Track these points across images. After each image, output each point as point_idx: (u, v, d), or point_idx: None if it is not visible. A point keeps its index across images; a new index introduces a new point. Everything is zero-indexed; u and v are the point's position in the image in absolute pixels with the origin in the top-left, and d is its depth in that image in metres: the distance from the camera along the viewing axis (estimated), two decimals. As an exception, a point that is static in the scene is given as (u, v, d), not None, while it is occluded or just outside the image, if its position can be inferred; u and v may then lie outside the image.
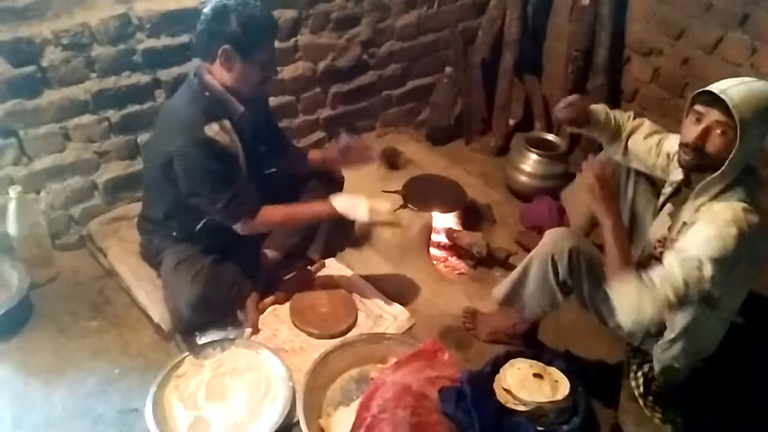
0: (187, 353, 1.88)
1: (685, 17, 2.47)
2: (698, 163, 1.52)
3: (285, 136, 2.21)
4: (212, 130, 1.73)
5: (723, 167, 1.46)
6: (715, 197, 1.50)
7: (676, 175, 1.70)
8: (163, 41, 2.16)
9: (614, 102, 2.78)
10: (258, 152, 1.97)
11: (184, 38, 2.18)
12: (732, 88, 1.43)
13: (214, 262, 1.93)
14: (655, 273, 1.48)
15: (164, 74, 2.21)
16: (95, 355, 1.94)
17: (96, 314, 2.07)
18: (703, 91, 1.47)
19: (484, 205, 2.65)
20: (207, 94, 1.76)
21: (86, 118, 2.13)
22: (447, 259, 2.48)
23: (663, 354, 1.69)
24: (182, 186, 1.79)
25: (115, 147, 2.24)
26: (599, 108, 1.93)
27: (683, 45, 2.51)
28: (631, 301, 1.49)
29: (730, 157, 1.44)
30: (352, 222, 2.41)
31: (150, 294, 2.02)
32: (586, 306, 1.80)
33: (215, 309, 1.97)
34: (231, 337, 1.97)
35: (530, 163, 2.72)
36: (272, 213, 1.89)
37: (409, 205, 2.45)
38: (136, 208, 2.27)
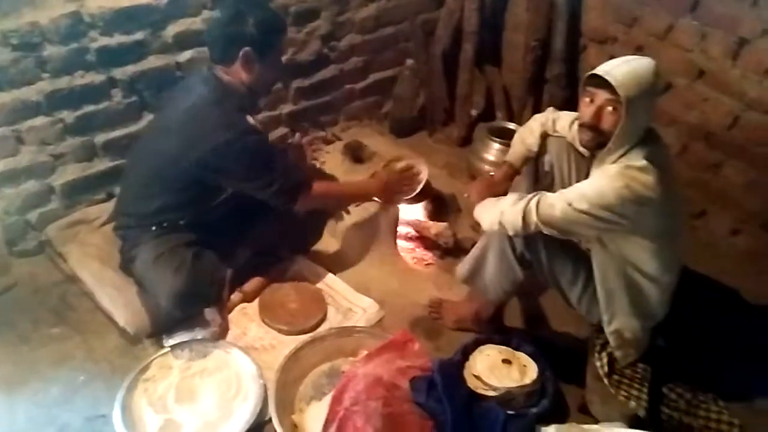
0: (155, 356, 1.85)
1: (637, 5, 2.52)
2: (597, 141, 1.62)
3: None
4: (252, 120, 1.87)
5: (613, 138, 1.56)
6: (613, 163, 1.58)
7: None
8: (117, 39, 2.10)
9: (572, 90, 2.83)
10: None
11: (138, 35, 2.13)
12: (616, 68, 1.54)
13: (195, 254, 1.92)
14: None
15: (119, 73, 2.15)
16: (59, 362, 1.90)
17: (58, 321, 2.02)
18: (592, 73, 1.56)
19: (449, 195, 2.67)
20: (232, 94, 1.81)
21: (39, 120, 2.06)
22: (414, 250, 2.50)
23: (610, 326, 1.76)
24: (230, 178, 1.86)
25: (71, 149, 2.17)
26: (516, 151, 2.06)
27: (636, 32, 2.57)
28: (491, 209, 1.72)
29: (618, 130, 1.54)
30: (324, 219, 2.43)
31: (113, 298, 1.98)
32: (546, 280, 1.84)
33: (198, 300, 1.96)
34: (199, 337, 1.95)
35: (493, 152, 2.75)
36: (325, 188, 2.06)
37: (375, 198, 2.44)
38: (95, 211, 2.23)
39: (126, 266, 2.00)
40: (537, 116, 2.02)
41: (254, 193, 1.89)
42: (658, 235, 1.62)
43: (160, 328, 1.96)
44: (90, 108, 2.15)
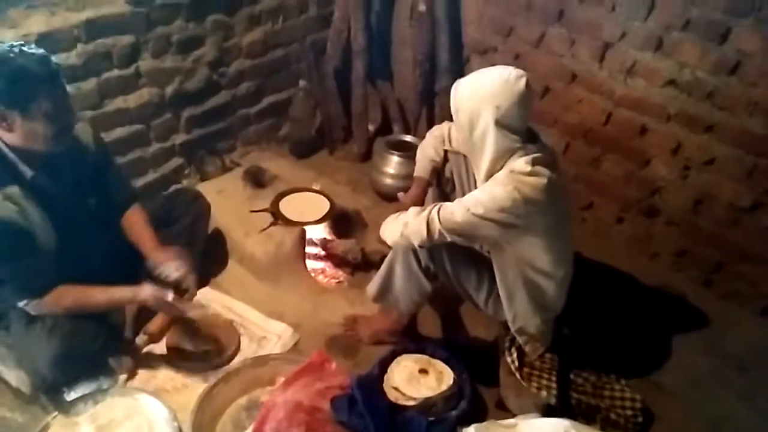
0: (55, 414, 1.73)
1: (510, 16, 2.68)
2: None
3: (125, 189, 2.02)
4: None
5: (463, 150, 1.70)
6: (499, 169, 1.65)
7: None
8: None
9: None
10: (84, 206, 1.81)
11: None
12: (467, 78, 1.66)
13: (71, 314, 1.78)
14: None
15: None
16: (-55, 435, 1.73)
17: (-59, 389, 1.85)
18: None
19: (354, 211, 2.69)
20: None
21: None
22: (324, 269, 2.50)
23: (514, 324, 1.84)
24: None
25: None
26: (422, 165, 2.08)
27: (513, 41, 2.72)
28: (393, 224, 1.78)
29: (464, 140, 1.68)
30: (225, 245, 2.38)
31: (3, 356, 1.84)
32: (454, 288, 1.91)
33: (80, 363, 1.83)
34: (104, 387, 1.85)
35: (393, 165, 2.81)
36: (67, 294, 1.71)
37: (279, 222, 2.43)
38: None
39: (3, 330, 1.84)
40: (433, 130, 2.09)
41: None
42: (548, 232, 1.71)
43: (57, 383, 1.83)
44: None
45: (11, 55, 1.48)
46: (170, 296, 1.73)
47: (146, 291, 1.75)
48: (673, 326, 2.32)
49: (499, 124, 1.58)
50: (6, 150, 1.58)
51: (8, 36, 1.98)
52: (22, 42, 1.53)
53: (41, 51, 1.54)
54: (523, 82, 1.58)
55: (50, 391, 1.81)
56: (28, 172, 1.62)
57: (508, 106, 1.57)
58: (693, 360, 2.18)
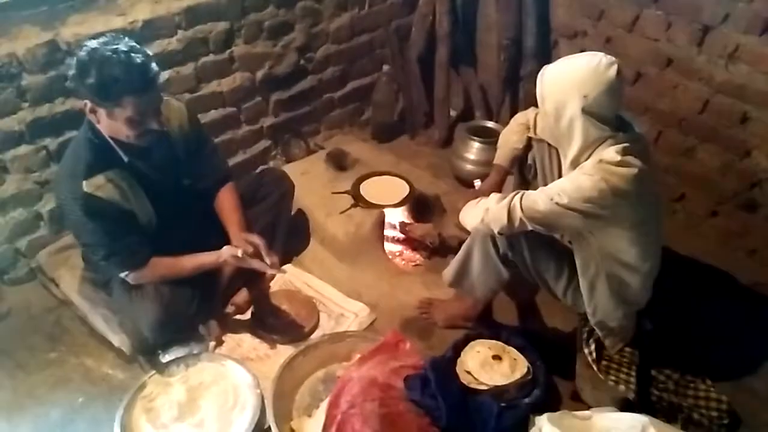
0: (152, 373, 1.88)
1: (603, -2, 2.59)
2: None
3: (218, 169, 2.10)
4: (93, 184, 1.69)
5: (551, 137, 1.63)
6: (586, 158, 1.60)
7: None
8: (95, 64, 2.13)
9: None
10: (179, 185, 1.94)
11: (116, 59, 2.17)
12: (554, 65, 1.59)
13: (170, 281, 1.92)
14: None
15: (100, 97, 2.18)
16: (57, 386, 1.92)
17: (54, 345, 2.04)
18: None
19: (433, 196, 2.70)
20: (96, 141, 1.71)
21: (23, 149, 2.09)
22: (402, 252, 2.53)
23: (594, 317, 1.79)
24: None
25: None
26: (503, 152, 2.04)
27: (604, 25, 2.62)
28: (474, 209, 1.77)
29: (550, 128, 1.62)
30: (307, 225, 2.45)
31: (107, 319, 2.01)
32: (532, 277, 1.88)
33: (178, 328, 1.98)
34: (194, 352, 1.98)
35: (474, 151, 2.80)
36: (160, 264, 1.86)
37: (360, 204, 2.49)
38: (84, 234, 2.25)
39: (108, 294, 2.03)
40: (517, 116, 2.06)
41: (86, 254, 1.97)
42: (636, 225, 1.65)
43: (155, 345, 1.98)
44: (72, 133, 2.16)
45: (113, 58, 1.55)
46: (240, 252, 1.84)
47: (225, 252, 1.87)
48: (769, 328, 2.19)
49: (587, 113, 1.53)
50: (106, 137, 1.72)
51: (117, 23, 2.14)
52: (133, 44, 1.61)
53: (144, 57, 1.60)
54: (614, 70, 1.52)
55: (147, 352, 1.97)
56: (123, 158, 1.75)
57: (597, 94, 1.52)
58: (789, 365, 2.05)
